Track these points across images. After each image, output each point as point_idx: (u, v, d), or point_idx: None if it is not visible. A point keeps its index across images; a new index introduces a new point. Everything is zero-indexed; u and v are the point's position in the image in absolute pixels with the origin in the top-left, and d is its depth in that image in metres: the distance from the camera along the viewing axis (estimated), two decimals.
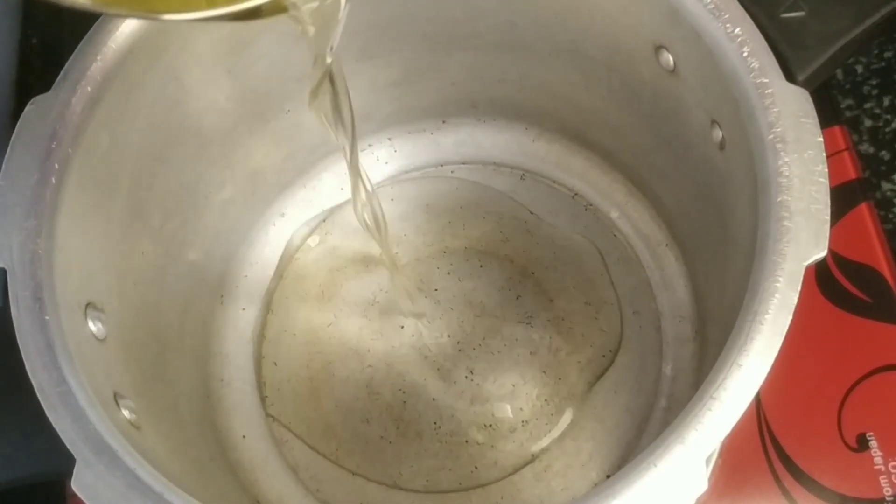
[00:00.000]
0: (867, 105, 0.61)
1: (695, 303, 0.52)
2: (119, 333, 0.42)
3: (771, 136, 0.36)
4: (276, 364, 0.55)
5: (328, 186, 0.58)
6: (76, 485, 0.34)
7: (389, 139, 0.59)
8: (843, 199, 0.55)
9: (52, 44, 0.62)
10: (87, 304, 0.40)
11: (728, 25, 0.39)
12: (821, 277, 0.54)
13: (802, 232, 0.35)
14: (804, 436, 0.51)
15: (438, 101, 0.56)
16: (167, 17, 0.31)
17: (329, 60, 0.37)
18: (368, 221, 0.47)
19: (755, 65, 0.38)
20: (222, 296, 0.55)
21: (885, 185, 0.59)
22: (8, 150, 0.39)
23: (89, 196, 0.41)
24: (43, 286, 0.37)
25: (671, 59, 0.43)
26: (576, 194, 0.57)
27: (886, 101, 0.60)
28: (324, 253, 0.57)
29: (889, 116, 0.60)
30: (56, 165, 0.39)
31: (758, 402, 0.52)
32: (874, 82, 0.61)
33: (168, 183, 0.47)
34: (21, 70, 0.60)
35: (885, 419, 0.51)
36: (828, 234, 0.35)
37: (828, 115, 0.56)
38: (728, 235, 0.42)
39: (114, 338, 0.41)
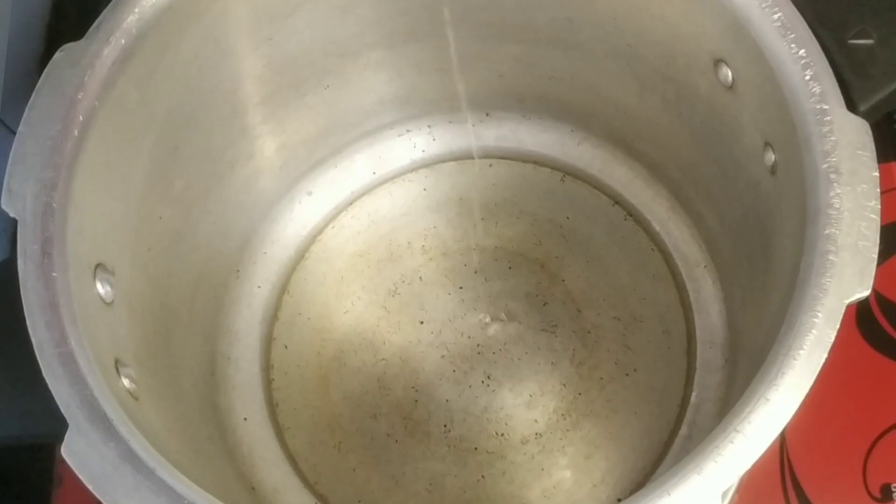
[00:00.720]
0: None
1: (728, 330, 0.52)
2: (127, 298, 0.41)
3: (825, 166, 0.36)
4: (286, 347, 0.54)
5: (360, 168, 0.58)
6: (66, 451, 0.33)
7: (429, 126, 0.58)
8: (892, 238, 0.54)
9: None
10: (98, 265, 0.39)
11: (793, 45, 0.38)
12: (862, 318, 0.53)
13: (847, 268, 0.34)
14: (826, 479, 0.50)
15: (484, 93, 0.56)
16: None
17: None
18: None
19: (816, 90, 0.37)
20: (238, 271, 0.55)
21: None
22: (32, 97, 0.39)
23: (111, 153, 0.40)
24: (53, 241, 0.36)
25: (730, 74, 0.42)
26: (616, 203, 0.56)
27: None
28: (348, 237, 0.57)
29: None
30: (80, 117, 0.38)
31: (782, 439, 0.51)
32: None
33: (194, 148, 0.47)
34: (54, 15, 0.60)
35: None
36: (873, 272, 0.34)
37: (886, 149, 0.55)
38: (770, 264, 0.41)
39: (121, 302, 0.40)
